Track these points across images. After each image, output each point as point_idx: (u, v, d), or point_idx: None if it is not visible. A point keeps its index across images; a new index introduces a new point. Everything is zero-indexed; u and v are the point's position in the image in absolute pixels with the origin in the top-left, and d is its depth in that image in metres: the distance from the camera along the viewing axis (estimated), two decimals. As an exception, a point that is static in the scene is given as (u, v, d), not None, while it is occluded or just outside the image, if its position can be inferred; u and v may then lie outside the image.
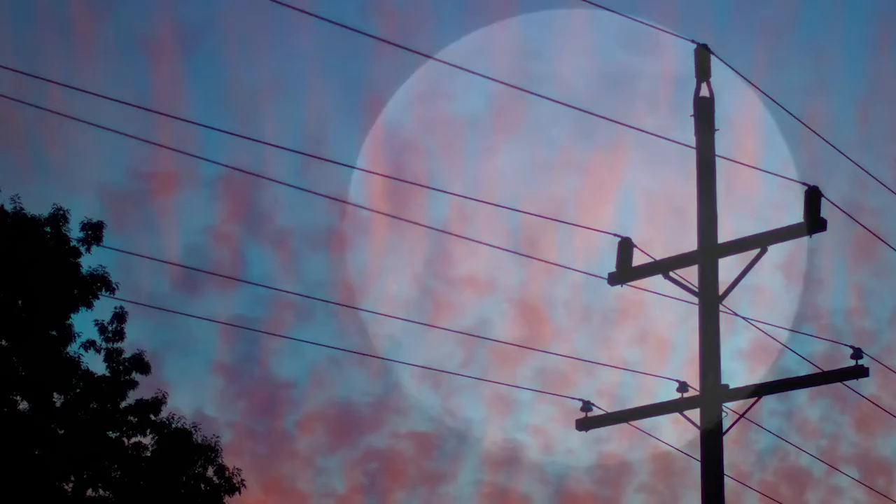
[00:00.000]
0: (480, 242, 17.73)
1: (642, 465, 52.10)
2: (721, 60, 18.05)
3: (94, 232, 31.87)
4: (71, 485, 31.17)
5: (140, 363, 32.35)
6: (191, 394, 58.04)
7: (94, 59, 54.94)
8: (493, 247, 18.08)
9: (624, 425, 18.05)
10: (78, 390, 31.46)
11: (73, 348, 31.68)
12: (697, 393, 17.22)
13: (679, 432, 18.05)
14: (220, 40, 56.99)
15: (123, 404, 32.17)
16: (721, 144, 17.94)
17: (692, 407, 17.25)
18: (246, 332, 53.30)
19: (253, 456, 52.37)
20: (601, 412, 18.04)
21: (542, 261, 18.17)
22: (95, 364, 32.01)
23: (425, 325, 17.75)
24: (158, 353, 42.02)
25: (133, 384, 32.29)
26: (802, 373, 17.40)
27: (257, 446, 53.18)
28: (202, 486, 32.56)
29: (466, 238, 17.67)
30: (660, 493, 53.59)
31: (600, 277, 18.11)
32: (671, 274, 17.73)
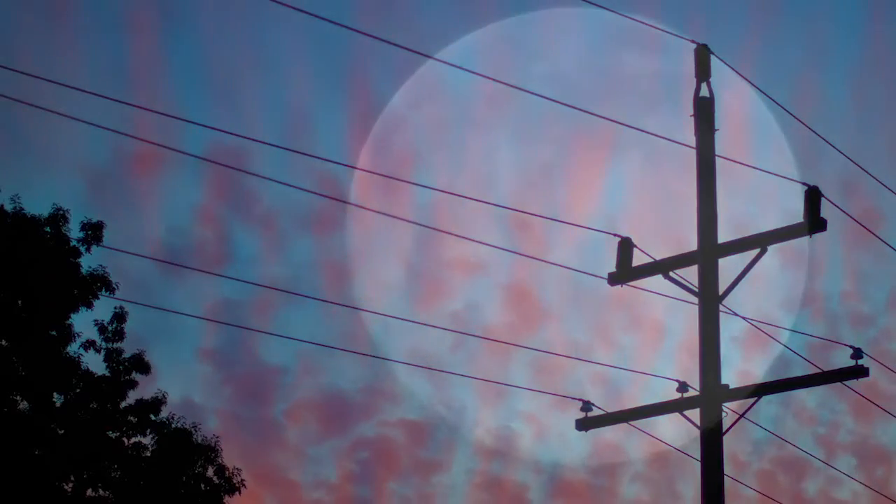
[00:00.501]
0: (481, 242, 17.73)
1: (637, 455, 52.08)
2: (721, 60, 18.06)
3: (94, 232, 31.89)
4: (71, 485, 31.17)
5: (140, 363, 32.37)
6: (177, 380, 57.32)
7: (73, 35, 54.65)
8: (495, 247, 18.09)
9: (621, 414, 18.04)
10: (78, 390, 31.47)
11: (73, 348, 31.72)
12: (697, 393, 17.22)
13: (678, 430, 18.06)
14: (204, 15, 56.70)
15: (123, 404, 32.18)
16: (721, 144, 17.95)
17: (692, 407, 17.25)
18: (234, 317, 52.84)
19: (241, 444, 52.01)
20: (601, 412, 18.05)
21: (544, 261, 18.17)
22: (95, 364, 32.06)
23: (425, 325, 17.76)
24: (142, 338, 41.63)
25: (133, 384, 32.30)
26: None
27: (245, 434, 52.83)
28: (202, 486, 32.57)
29: (468, 238, 17.67)
30: (654, 482, 53.49)
31: (600, 277, 18.12)
32: (671, 274, 17.74)
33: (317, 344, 18.04)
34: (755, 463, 53.91)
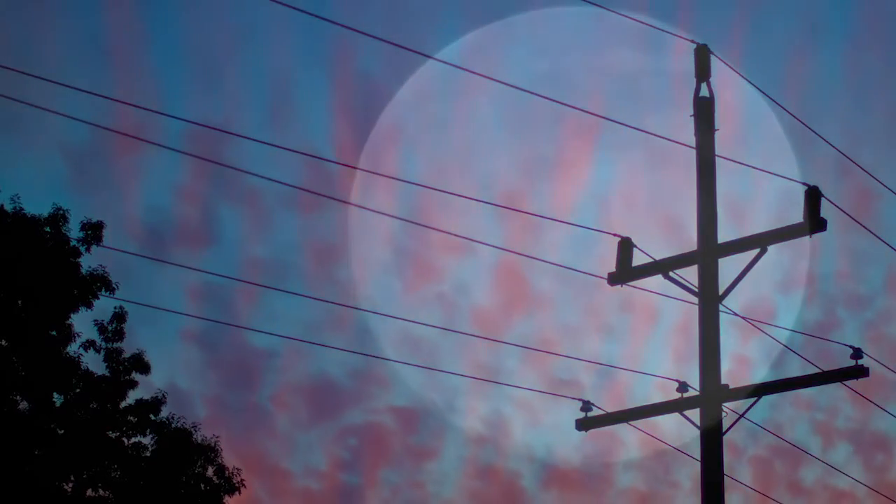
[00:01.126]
0: (482, 243, 17.73)
1: (632, 444, 51.95)
2: (721, 60, 18.06)
3: (93, 232, 31.91)
4: (71, 485, 31.18)
5: (140, 363, 32.39)
6: (162, 365, 56.83)
7: (53, 12, 54.32)
8: (496, 247, 18.09)
9: (621, 414, 18.03)
10: (78, 390, 31.49)
11: (72, 348, 31.74)
12: (697, 393, 17.22)
13: (678, 428, 18.05)
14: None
15: (123, 404, 32.20)
16: (721, 144, 17.96)
17: (692, 407, 17.25)
18: (219, 299, 52.24)
19: (228, 430, 51.47)
20: (601, 412, 18.05)
21: (544, 261, 18.17)
22: (95, 364, 32.08)
23: (424, 324, 17.75)
24: (127, 322, 41.01)
25: (133, 384, 32.33)
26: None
27: (232, 420, 52.40)
28: (202, 486, 32.59)
29: (468, 238, 17.67)
30: (649, 469, 53.37)
31: (600, 277, 18.11)
32: (671, 274, 17.74)
33: (314, 343, 18.02)
34: (751, 449, 53.84)
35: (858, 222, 18.65)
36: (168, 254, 51.30)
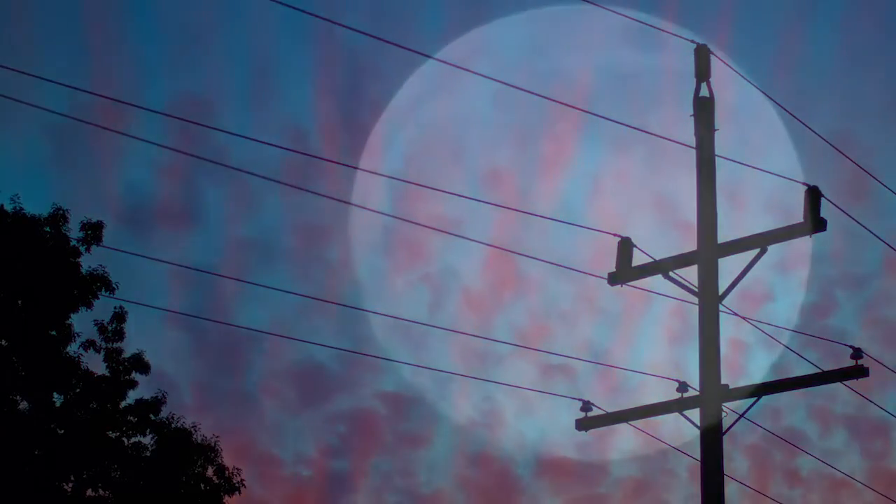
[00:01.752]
0: (483, 243, 17.73)
1: (628, 433, 51.82)
2: (721, 60, 18.06)
3: (93, 232, 31.92)
4: (71, 485, 31.18)
5: (140, 363, 32.39)
6: (147, 350, 55.88)
7: None
8: (496, 247, 18.08)
9: (621, 414, 18.03)
10: (78, 390, 31.49)
11: (72, 348, 31.75)
12: (697, 393, 17.22)
13: (677, 423, 18.05)
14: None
15: (123, 404, 32.21)
16: (721, 143, 17.96)
17: (692, 407, 17.26)
18: (205, 279, 51.65)
19: (215, 416, 51.01)
20: (601, 412, 18.05)
21: (544, 261, 18.16)
22: (95, 364, 32.08)
23: (417, 322, 17.74)
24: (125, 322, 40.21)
25: (133, 384, 32.33)
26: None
27: (219, 406, 51.99)
28: (202, 486, 32.59)
29: (470, 239, 17.67)
30: (646, 459, 53.31)
31: (600, 277, 18.11)
32: (671, 274, 17.74)
33: (298, 339, 18.02)
34: (749, 438, 53.77)
35: (858, 221, 18.65)
36: (151, 233, 50.76)
